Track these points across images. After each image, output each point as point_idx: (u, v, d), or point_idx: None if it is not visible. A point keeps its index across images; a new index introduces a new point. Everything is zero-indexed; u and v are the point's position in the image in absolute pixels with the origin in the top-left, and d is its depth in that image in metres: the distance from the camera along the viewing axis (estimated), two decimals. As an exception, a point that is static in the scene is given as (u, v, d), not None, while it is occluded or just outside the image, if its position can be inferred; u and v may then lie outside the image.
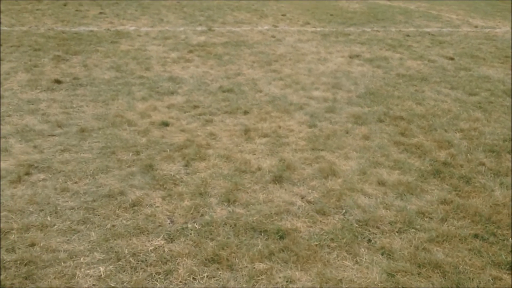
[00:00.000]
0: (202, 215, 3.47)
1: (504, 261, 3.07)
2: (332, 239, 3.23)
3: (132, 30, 9.79)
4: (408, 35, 10.62)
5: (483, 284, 2.86)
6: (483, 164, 4.40)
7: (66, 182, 3.83)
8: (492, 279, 2.92)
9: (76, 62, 7.26)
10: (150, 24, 10.57)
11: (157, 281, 2.81)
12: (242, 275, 2.87)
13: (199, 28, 10.37)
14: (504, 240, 3.30)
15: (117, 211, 3.46)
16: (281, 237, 3.22)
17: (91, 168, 4.06)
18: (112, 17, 11.22)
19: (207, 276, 2.86)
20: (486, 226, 3.44)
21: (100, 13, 11.61)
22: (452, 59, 8.52)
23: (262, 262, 2.98)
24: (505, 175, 4.21)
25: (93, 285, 2.76)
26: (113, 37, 9.02)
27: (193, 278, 2.84)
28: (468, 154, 4.58)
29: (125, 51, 8.02)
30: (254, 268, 2.93)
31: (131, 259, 2.97)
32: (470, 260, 3.09)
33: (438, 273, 2.95)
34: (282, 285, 2.80)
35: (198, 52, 8.20)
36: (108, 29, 9.74)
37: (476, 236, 3.34)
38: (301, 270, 2.93)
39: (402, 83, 6.87)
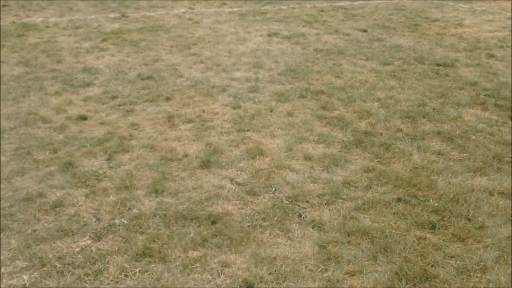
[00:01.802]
0: (129, 209, 3.35)
1: (427, 221, 3.24)
2: (264, 219, 3.25)
3: (40, 22, 9.19)
4: (322, 10, 10.83)
5: (409, 245, 3.01)
6: (401, 130, 4.60)
7: (-23, 190, 3.55)
8: (417, 240, 3.07)
9: (-22, 59, 6.71)
10: (58, 14, 9.97)
11: (86, 283, 2.68)
12: (176, 266, 2.81)
13: (111, 15, 9.94)
14: (425, 201, 3.48)
15: (37, 215, 3.26)
16: (213, 222, 3.19)
17: (5, 172, 3.79)
18: (17, 9, 10.47)
19: (139, 271, 2.77)
20: (407, 189, 3.62)
21: (4, 5, 10.78)
22: (365, 31, 8.80)
23: (195, 250, 2.94)
24: (421, 139, 4.43)
25: (17, 296, 2.59)
26: (19, 30, 8.41)
27: (125, 275, 2.74)
28: (386, 122, 4.78)
29: (34, 44, 7.52)
30: (188, 256, 2.88)
31: (56, 263, 2.82)
32: (395, 223, 3.23)
33: (366, 239, 3.07)
34: (217, 270, 2.79)
35: (112, 40, 7.86)
36: (14, 22, 9.08)
37: (399, 200, 3.49)
38: (235, 253, 2.93)
39: (321, 58, 7.01)
